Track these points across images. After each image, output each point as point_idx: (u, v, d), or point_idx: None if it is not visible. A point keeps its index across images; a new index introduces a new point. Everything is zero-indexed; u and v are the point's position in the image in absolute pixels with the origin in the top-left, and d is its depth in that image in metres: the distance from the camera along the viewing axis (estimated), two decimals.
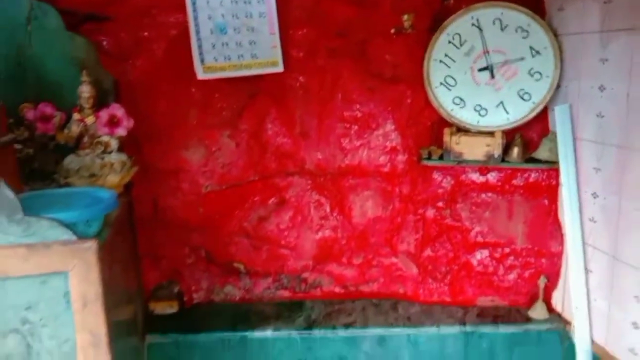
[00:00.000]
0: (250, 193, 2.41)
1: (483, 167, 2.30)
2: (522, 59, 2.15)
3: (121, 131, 1.90)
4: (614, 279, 1.91)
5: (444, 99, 2.24)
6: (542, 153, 2.20)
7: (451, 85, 2.21)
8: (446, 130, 2.25)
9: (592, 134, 2.02)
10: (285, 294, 2.47)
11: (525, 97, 2.19)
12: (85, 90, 1.87)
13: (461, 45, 2.21)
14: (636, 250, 1.79)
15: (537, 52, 2.14)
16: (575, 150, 2.12)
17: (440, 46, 2.23)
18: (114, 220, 1.67)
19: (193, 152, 2.35)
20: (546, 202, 2.33)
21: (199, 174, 2.36)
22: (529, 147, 2.28)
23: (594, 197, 2.01)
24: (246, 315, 2.32)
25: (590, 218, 2.05)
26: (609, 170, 1.92)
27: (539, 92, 2.17)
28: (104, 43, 2.19)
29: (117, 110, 1.90)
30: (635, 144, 1.77)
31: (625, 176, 1.83)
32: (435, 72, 2.23)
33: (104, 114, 1.89)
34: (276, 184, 2.43)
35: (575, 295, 2.09)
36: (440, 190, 2.40)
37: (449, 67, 2.23)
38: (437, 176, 2.39)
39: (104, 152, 1.88)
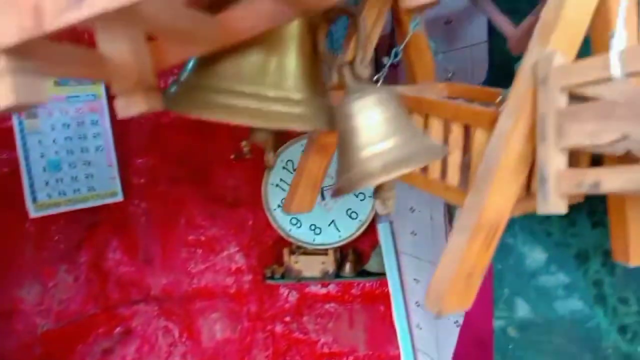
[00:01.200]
0: (93, 326, 2.39)
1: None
2: None
3: None
4: None
5: (282, 220, 2.46)
6: (372, 266, 2.48)
7: None
8: (285, 250, 2.45)
9: (410, 249, 2.33)
10: None
11: (353, 215, 2.48)
12: None
13: (294, 170, 2.47)
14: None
15: None
16: (398, 263, 2.42)
17: (276, 172, 2.47)
18: None
19: (27, 291, 2.31)
20: (382, 308, 2.59)
21: (35, 313, 2.31)
22: (362, 259, 2.55)
23: (417, 306, 2.30)
24: None
25: (417, 325, 2.33)
26: (426, 282, 2.23)
27: (364, 211, 2.48)
28: None
29: None
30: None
31: None
32: (273, 195, 2.46)
33: None
34: (120, 314, 2.45)
35: None
36: (286, 305, 2.57)
37: (284, 190, 2.47)
38: (283, 291, 2.56)
39: None
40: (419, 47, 0.99)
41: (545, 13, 0.68)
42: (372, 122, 0.66)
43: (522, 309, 1.11)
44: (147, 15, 0.42)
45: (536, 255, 1.07)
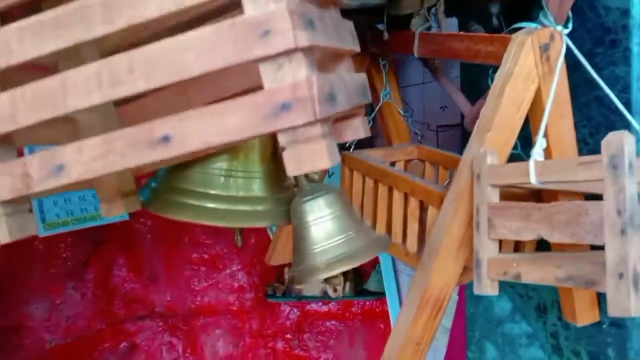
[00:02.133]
0: (99, 341, 2.54)
1: None
2: None
3: None
4: None
5: None
6: (371, 284, 2.58)
7: None
8: (286, 269, 2.56)
9: (409, 269, 2.43)
10: None
11: None
12: None
13: None
14: None
15: None
16: (397, 282, 2.52)
17: None
18: None
19: (36, 307, 2.46)
20: (382, 326, 2.70)
21: (43, 329, 2.46)
22: (363, 278, 2.65)
23: None
24: None
25: None
26: None
27: None
28: None
29: None
30: None
31: None
32: None
33: None
34: (126, 329, 2.59)
35: None
36: (288, 322, 2.69)
37: None
38: (284, 308, 2.68)
39: None
40: (392, 112, 1.10)
41: (484, 112, 0.78)
42: (321, 221, 0.77)
43: (491, 353, 1.21)
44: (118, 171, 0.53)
45: (503, 304, 1.17)
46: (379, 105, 1.06)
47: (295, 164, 0.49)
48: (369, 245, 0.78)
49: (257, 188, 0.84)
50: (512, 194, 0.82)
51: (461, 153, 0.81)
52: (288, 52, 0.48)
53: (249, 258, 2.65)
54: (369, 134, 0.74)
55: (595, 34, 0.92)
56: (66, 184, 0.52)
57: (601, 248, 0.61)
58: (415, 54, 0.95)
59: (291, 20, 0.47)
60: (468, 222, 0.78)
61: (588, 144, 0.95)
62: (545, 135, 0.78)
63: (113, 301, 2.53)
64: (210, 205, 0.79)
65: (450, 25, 1.05)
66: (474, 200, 0.76)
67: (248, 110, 0.49)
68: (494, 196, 0.74)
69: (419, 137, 1.12)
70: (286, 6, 0.47)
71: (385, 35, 0.99)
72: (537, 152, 0.69)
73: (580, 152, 0.92)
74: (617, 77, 0.90)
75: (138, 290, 2.56)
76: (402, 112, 1.08)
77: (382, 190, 0.96)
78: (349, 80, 0.61)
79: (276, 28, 0.47)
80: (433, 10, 0.94)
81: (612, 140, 0.60)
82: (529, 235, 0.69)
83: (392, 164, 1.09)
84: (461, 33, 0.88)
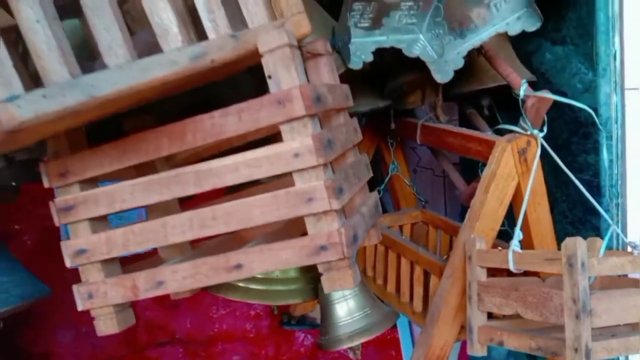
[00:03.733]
0: None
1: None
2: None
3: None
4: None
5: None
6: None
7: None
8: None
9: None
10: None
11: None
12: None
13: None
14: None
15: None
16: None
17: None
18: None
19: (64, 335, 2.67)
20: (393, 353, 2.89)
21: (70, 355, 2.68)
22: None
23: None
24: None
25: None
26: None
27: None
28: None
29: None
30: None
31: None
32: None
33: None
34: (148, 355, 2.80)
35: None
36: (302, 349, 2.89)
37: None
38: (299, 335, 2.88)
39: None
40: (399, 182, 1.30)
41: (474, 203, 0.98)
42: (344, 299, 0.98)
43: None
44: None
45: (500, 349, 1.36)
46: (388, 177, 1.27)
47: (329, 285, 0.72)
48: (383, 319, 0.99)
49: (292, 270, 1.05)
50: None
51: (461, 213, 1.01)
52: (325, 212, 0.70)
53: None
54: (380, 239, 0.94)
55: (571, 126, 1.12)
56: (164, 294, 0.76)
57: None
58: (418, 141, 1.15)
59: (327, 193, 0.69)
60: (462, 293, 0.98)
61: (567, 217, 1.15)
62: (525, 219, 0.98)
63: (137, 328, 2.73)
64: (254, 286, 1.00)
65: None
66: (466, 276, 0.96)
67: (297, 249, 0.72)
68: (482, 275, 0.94)
69: (423, 203, 1.32)
70: (324, 184, 0.70)
71: (392, 126, 1.20)
72: (515, 244, 0.89)
73: (561, 223, 1.12)
74: (589, 164, 1.10)
75: (160, 318, 2.77)
76: (408, 182, 1.29)
77: (392, 256, 1.17)
78: (368, 218, 0.85)
79: (317, 197, 0.71)
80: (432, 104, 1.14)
81: (569, 244, 0.80)
82: (508, 311, 0.89)
83: (400, 227, 1.29)
84: (456, 130, 1.08)
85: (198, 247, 0.99)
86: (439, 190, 1.97)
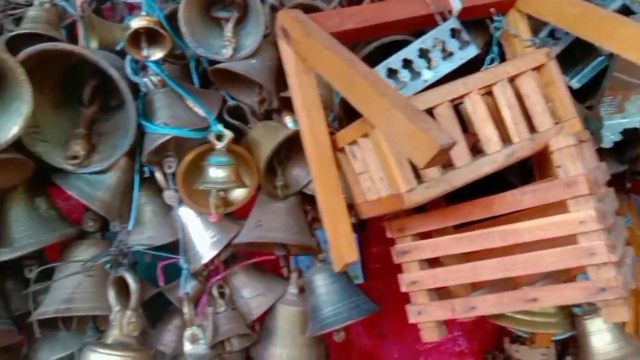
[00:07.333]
0: None
1: None
2: None
3: None
4: None
5: None
6: None
7: None
8: (506, 339, 3.03)
9: None
10: None
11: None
12: None
13: None
14: None
15: None
16: None
17: None
18: None
19: None
20: None
21: None
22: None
23: None
24: None
25: None
26: None
27: None
28: None
29: None
30: None
31: None
32: None
33: None
34: None
35: None
36: None
37: None
38: None
39: None
40: (632, 233, 1.60)
41: None
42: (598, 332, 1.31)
43: None
44: None
45: None
46: None
47: (607, 317, 1.06)
48: (634, 351, 1.31)
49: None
50: None
51: None
52: (605, 263, 1.05)
53: (470, 325, 3.14)
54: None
55: None
56: (473, 316, 1.17)
57: None
58: None
59: (607, 249, 1.05)
60: None
61: None
62: None
63: (350, 353, 3.18)
64: (519, 316, 1.37)
65: None
66: None
67: (580, 290, 1.10)
68: None
69: None
70: (604, 243, 1.06)
71: (628, 185, 1.52)
72: None
73: None
74: None
75: (370, 346, 3.19)
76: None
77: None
78: (631, 267, 1.18)
79: (598, 252, 1.09)
80: None
81: None
82: None
83: None
84: None
85: (483, 286, 1.37)
86: None
